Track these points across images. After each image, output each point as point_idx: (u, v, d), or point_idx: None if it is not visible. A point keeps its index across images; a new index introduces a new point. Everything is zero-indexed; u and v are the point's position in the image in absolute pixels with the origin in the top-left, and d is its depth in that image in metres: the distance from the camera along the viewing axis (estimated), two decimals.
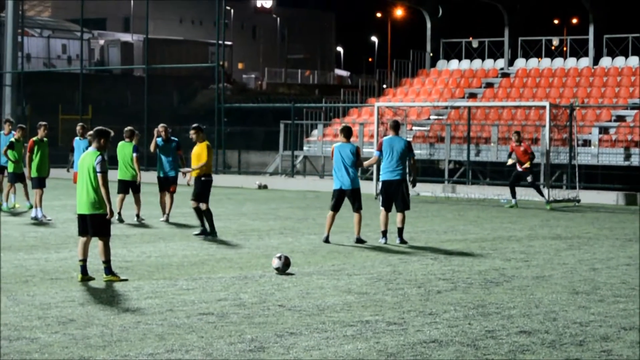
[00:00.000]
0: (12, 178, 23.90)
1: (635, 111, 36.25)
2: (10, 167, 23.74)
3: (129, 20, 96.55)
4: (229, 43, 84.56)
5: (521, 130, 32.39)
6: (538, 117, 36.39)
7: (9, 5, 45.73)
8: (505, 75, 42.97)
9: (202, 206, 19.22)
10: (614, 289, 13.33)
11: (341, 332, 10.28)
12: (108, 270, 13.53)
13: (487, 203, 28.54)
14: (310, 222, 22.92)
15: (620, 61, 40.67)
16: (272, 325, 10.58)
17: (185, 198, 23.16)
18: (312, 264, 15.53)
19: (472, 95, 41.85)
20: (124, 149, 22.43)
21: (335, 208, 18.48)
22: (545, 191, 28.63)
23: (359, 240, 18.41)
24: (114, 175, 23.04)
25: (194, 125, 19.48)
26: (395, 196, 18.54)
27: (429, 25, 45.98)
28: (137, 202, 22.42)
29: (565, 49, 43.98)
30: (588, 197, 30.48)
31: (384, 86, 45.79)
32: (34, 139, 22.60)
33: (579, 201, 29.64)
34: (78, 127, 24.31)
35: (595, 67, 41.03)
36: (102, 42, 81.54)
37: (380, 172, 18.82)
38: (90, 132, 14.94)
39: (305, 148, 40.52)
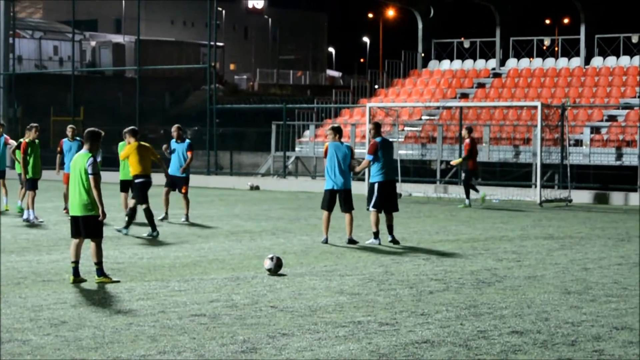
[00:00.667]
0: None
1: (627, 111, 36.34)
2: (20, 170, 22.97)
3: (120, 21, 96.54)
4: (221, 44, 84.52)
5: (513, 130, 32.37)
6: (530, 117, 36.42)
7: (0, 6, 45.62)
8: (497, 75, 42.99)
9: (131, 203, 20.12)
10: (605, 289, 13.35)
11: (333, 333, 10.29)
12: (100, 272, 13.52)
13: (478, 203, 28.56)
14: (302, 223, 22.91)
15: (611, 61, 40.72)
16: (265, 327, 10.59)
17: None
18: (305, 265, 15.53)
19: (464, 96, 41.85)
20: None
21: (329, 208, 18.47)
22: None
23: (351, 241, 18.41)
24: (115, 176, 23.07)
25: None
26: (390, 197, 18.60)
27: (420, 25, 45.97)
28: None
29: (556, 48, 44.05)
30: (580, 197, 30.53)
31: (376, 87, 45.76)
32: (27, 140, 22.43)
33: (570, 201, 29.71)
34: (68, 129, 24.21)
35: (586, 67, 41.07)
36: (93, 43, 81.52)
37: (373, 174, 18.77)
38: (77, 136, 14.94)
39: (297, 149, 40.49)
